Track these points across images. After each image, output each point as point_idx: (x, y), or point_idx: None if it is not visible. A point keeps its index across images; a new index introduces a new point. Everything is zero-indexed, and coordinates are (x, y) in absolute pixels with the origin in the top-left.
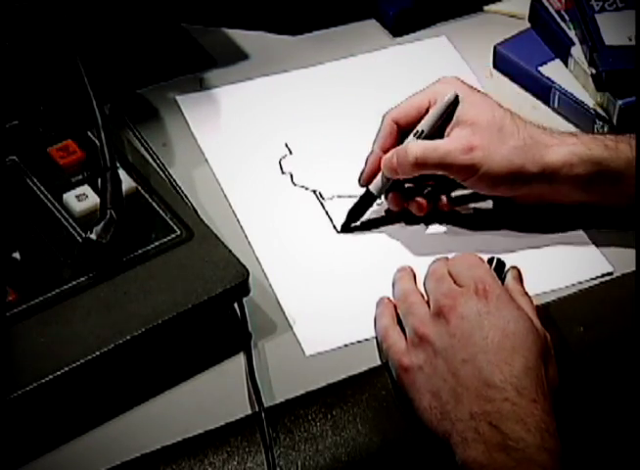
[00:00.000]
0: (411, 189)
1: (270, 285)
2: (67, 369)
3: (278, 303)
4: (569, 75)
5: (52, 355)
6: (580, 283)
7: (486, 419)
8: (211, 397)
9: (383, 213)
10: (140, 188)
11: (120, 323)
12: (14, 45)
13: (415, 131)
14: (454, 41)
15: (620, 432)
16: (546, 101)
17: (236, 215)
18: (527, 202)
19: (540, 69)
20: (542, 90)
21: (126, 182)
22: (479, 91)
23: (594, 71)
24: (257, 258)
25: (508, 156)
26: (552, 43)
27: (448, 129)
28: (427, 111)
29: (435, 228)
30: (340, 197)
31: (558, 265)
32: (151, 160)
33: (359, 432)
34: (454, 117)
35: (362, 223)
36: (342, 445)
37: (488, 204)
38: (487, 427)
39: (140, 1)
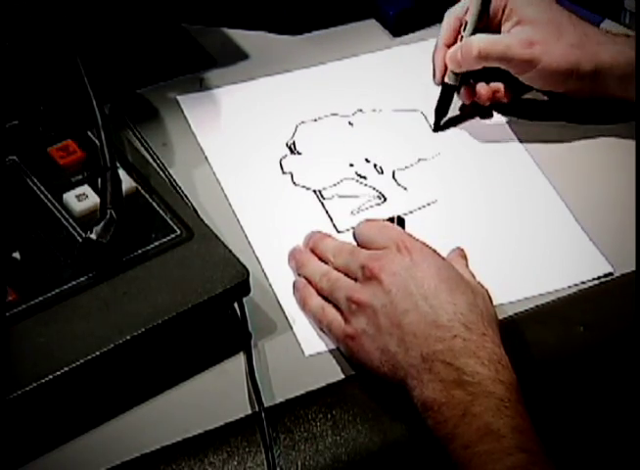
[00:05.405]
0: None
1: (270, 285)
2: (67, 369)
3: (278, 303)
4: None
5: (52, 355)
6: (580, 283)
7: (439, 358)
8: (211, 397)
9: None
10: (140, 188)
11: (120, 323)
12: (14, 45)
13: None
14: None
15: (620, 431)
16: None
17: (236, 215)
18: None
19: None
20: None
21: (126, 182)
22: None
23: None
24: (257, 258)
25: (565, 52)
26: (596, 6)
27: (509, 27)
28: None
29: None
30: (340, 197)
31: (558, 265)
32: (151, 160)
33: (359, 432)
34: (515, 16)
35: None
36: (343, 445)
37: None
38: (441, 365)
39: (140, 1)
